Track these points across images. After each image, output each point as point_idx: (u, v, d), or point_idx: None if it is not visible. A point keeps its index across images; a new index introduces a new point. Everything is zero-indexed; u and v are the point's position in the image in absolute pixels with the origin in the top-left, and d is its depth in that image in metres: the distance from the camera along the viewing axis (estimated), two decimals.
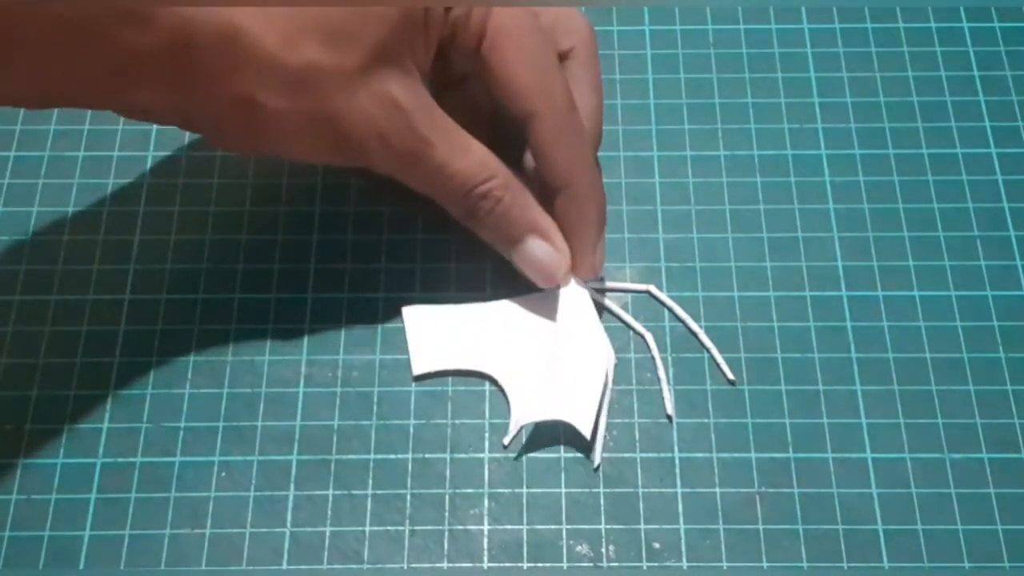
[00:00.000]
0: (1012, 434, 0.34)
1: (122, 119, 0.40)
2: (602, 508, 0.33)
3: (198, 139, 0.39)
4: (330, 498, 0.33)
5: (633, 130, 0.40)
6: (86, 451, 0.34)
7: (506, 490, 0.34)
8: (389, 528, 0.33)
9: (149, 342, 0.36)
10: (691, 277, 0.37)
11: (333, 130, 0.31)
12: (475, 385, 0.35)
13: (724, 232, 0.38)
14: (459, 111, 0.33)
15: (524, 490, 0.34)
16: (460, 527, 0.33)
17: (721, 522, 0.33)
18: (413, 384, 0.35)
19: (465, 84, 0.35)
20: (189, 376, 0.35)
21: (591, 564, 0.32)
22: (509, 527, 0.33)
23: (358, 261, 0.37)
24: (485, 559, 0.33)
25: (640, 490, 0.33)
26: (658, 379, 0.35)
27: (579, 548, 0.33)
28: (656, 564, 0.32)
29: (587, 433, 0.34)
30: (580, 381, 0.34)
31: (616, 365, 0.35)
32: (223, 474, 0.34)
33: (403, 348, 0.36)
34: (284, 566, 0.32)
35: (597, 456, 0.34)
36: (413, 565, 0.32)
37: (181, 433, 0.34)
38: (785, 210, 0.38)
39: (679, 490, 0.33)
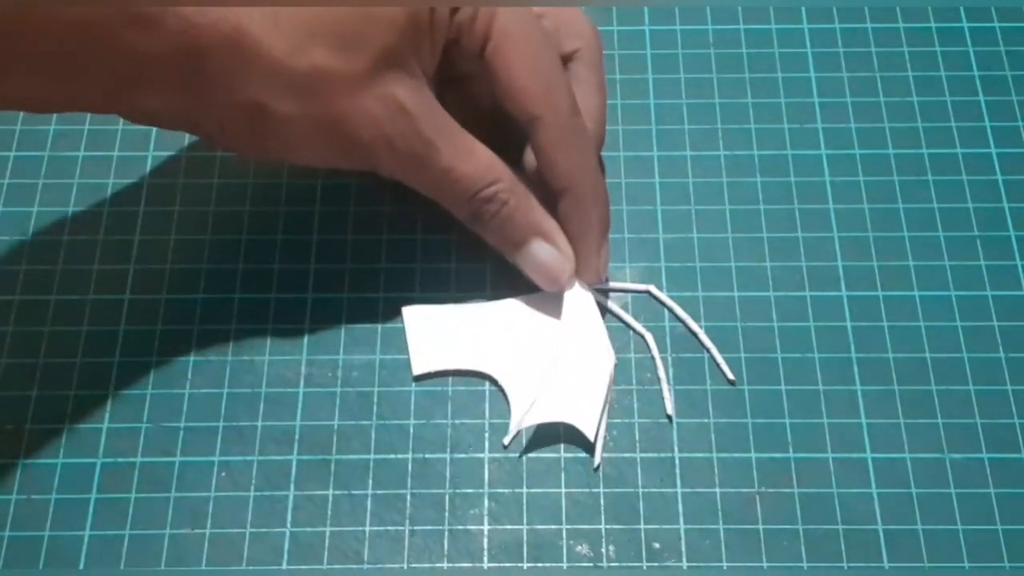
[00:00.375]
0: (1012, 434, 0.34)
1: (122, 120, 0.40)
2: (602, 508, 0.33)
3: (198, 139, 0.39)
4: (330, 498, 0.33)
5: (633, 130, 0.40)
6: (86, 451, 0.34)
7: (506, 490, 0.34)
8: (389, 528, 0.33)
9: (149, 342, 0.36)
10: (691, 277, 0.37)
11: (339, 134, 0.31)
12: (475, 385, 0.35)
13: (724, 232, 0.38)
14: (460, 109, 0.33)
15: (524, 490, 0.34)
16: (460, 527, 0.33)
17: (721, 522, 0.33)
18: (413, 384, 0.35)
19: (466, 82, 0.35)
20: (189, 376, 0.35)
21: (591, 564, 0.32)
22: (509, 527, 0.33)
23: (358, 261, 0.37)
24: (485, 559, 0.33)
25: (640, 490, 0.33)
26: (658, 379, 0.35)
27: (579, 548, 0.33)
28: (656, 564, 0.32)
29: (591, 435, 0.34)
30: (584, 383, 0.35)
31: (616, 365, 0.35)
32: (223, 474, 0.34)
33: (403, 348, 0.36)
34: (284, 566, 0.32)
35: (597, 456, 0.34)
36: (413, 565, 0.32)
37: (181, 433, 0.34)
38: (785, 210, 0.38)
39: (679, 490, 0.33)
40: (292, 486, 0.34)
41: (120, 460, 0.34)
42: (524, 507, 0.33)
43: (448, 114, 0.33)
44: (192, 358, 0.35)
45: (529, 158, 0.35)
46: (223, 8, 0.29)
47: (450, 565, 0.32)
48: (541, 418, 0.34)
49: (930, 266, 0.37)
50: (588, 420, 0.34)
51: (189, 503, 0.33)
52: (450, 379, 0.35)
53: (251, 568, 0.32)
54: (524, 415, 0.34)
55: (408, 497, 0.33)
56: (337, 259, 0.37)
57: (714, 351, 0.35)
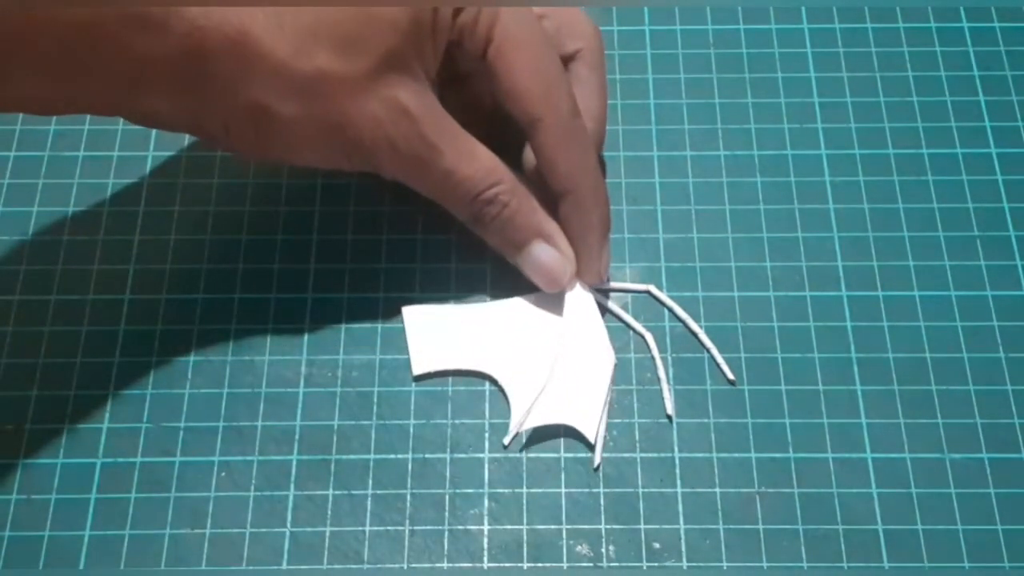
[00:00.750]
0: (1012, 434, 0.34)
1: (122, 120, 0.40)
2: (602, 508, 0.33)
3: (199, 139, 0.39)
4: (330, 498, 0.33)
5: (633, 130, 0.40)
6: (86, 451, 0.34)
7: (506, 490, 0.34)
8: (389, 528, 0.33)
9: (149, 342, 0.36)
10: (691, 277, 0.37)
11: (342, 136, 0.31)
12: (475, 385, 0.35)
13: (724, 232, 0.38)
14: (460, 110, 0.33)
15: (524, 490, 0.34)
16: (460, 527, 0.33)
17: (721, 522, 0.33)
18: (413, 384, 0.35)
19: (467, 82, 0.35)
20: (189, 376, 0.35)
21: (591, 564, 0.32)
22: (509, 527, 0.33)
23: (358, 261, 0.37)
24: (485, 559, 0.33)
25: (640, 490, 0.33)
26: (658, 379, 0.35)
27: (579, 548, 0.33)
28: (656, 564, 0.32)
29: (591, 437, 0.34)
30: (584, 384, 0.35)
31: (616, 365, 0.35)
32: (223, 474, 0.34)
33: (403, 348, 0.36)
34: (284, 566, 0.32)
35: (597, 456, 0.34)
36: (413, 565, 0.32)
37: (181, 433, 0.34)
38: (785, 210, 0.38)
39: (679, 490, 0.33)
40: (292, 486, 0.34)
41: (120, 460, 0.34)
42: (524, 507, 0.33)
43: (450, 116, 0.33)
44: (192, 358, 0.35)
45: (529, 158, 0.35)
46: (227, 10, 0.29)
47: (450, 565, 0.32)
48: (542, 420, 0.34)
49: (930, 266, 0.37)
50: (588, 421, 0.34)
51: (189, 503, 0.33)
52: (450, 379, 0.35)
53: (251, 568, 0.32)
54: (524, 417, 0.34)
55: (408, 497, 0.33)
56: (337, 259, 0.37)
57: (714, 351, 0.35)
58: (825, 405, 0.35)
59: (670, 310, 0.36)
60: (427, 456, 0.34)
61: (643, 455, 0.34)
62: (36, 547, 0.33)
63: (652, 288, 0.37)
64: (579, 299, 0.36)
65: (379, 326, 0.36)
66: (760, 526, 0.33)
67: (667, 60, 0.41)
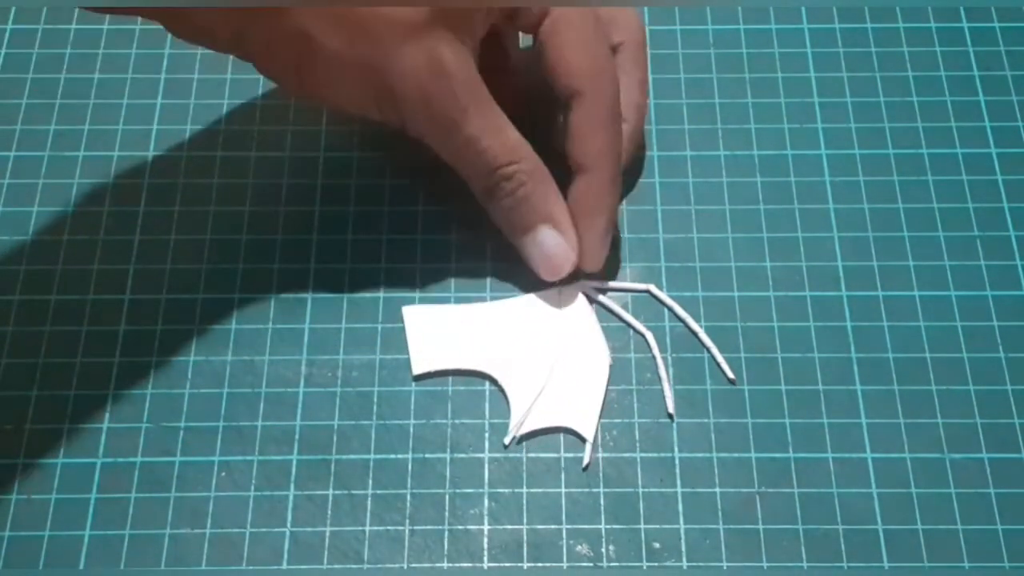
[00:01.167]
0: (1012, 434, 0.34)
1: (122, 119, 0.40)
2: (602, 508, 0.33)
3: (198, 139, 0.39)
4: (330, 498, 0.33)
5: None
6: (86, 451, 0.34)
7: (506, 490, 0.34)
8: (389, 528, 0.33)
9: (149, 342, 0.36)
10: (691, 277, 0.37)
11: (379, 82, 0.32)
12: (475, 385, 0.35)
13: (724, 232, 0.38)
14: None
15: (524, 490, 0.34)
16: (460, 527, 0.33)
17: (721, 522, 0.33)
18: (413, 384, 0.35)
19: (494, 78, 0.35)
20: (189, 376, 0.35)
21: (591, 564, 0.32)
22: (509, 527, 0.33)
23: (358, 261, 0.37)
24: (485, 559, 0.33)
25: (640, 490, 0.33)
26: (658, 378, 0.35)
27: (579, 548, 0.33)
28: (656, 564, 0.32)
29: (590, 438, 0.34)
30: (582, 386, 0.35)
31: (613, 365, 0.35)
32: (223, 474, 0.34)
33: (403, 348, 0.36)
34: (284, 566, 0.32)
35: (587, 456, 0.34)
36: (413, 565, 0.32)
37: (181, 433, 0.34)
38: (785, 210, 0.38)
39: (679, 490, 0.33)
40: (292, 486, 0.34)
41: (120, 460, 0.34)
42: (524, 507, 0.33)
43: (485, 86, 0.33)
44: (192, 358, 0.35)
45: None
46: None
47: (450, 565, 0.32)
48: (541, 423, 0.34)
49: (930, 266, 0.37)
50: (587, 424, 0.34)
51: (189, 503, 0.33)
52: (450, 379, 0.35)
53: (251, 568, 0.32)
54: (523, 420, 0.34)
55: (408, 497, 0.33)
56: (337, 259, 0.37)
57: (714, 351, 0.35)
58: (825, 405, 0.35)
59: (670, 310, 0.36)
60: (427, 456, 0.34)
61: (643, 455, 0.34)
62: (36, 547, 0.33)
63: (652, 288, 0.37)
64: (575, 300, 0.36)
65: (379, 326, 0.36)
66: (760, 526, 0.33)
67: (667, 60, 0.41)
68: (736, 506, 0.33)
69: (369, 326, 0.36)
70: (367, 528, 0.33)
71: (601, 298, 0.36)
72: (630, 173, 0.38)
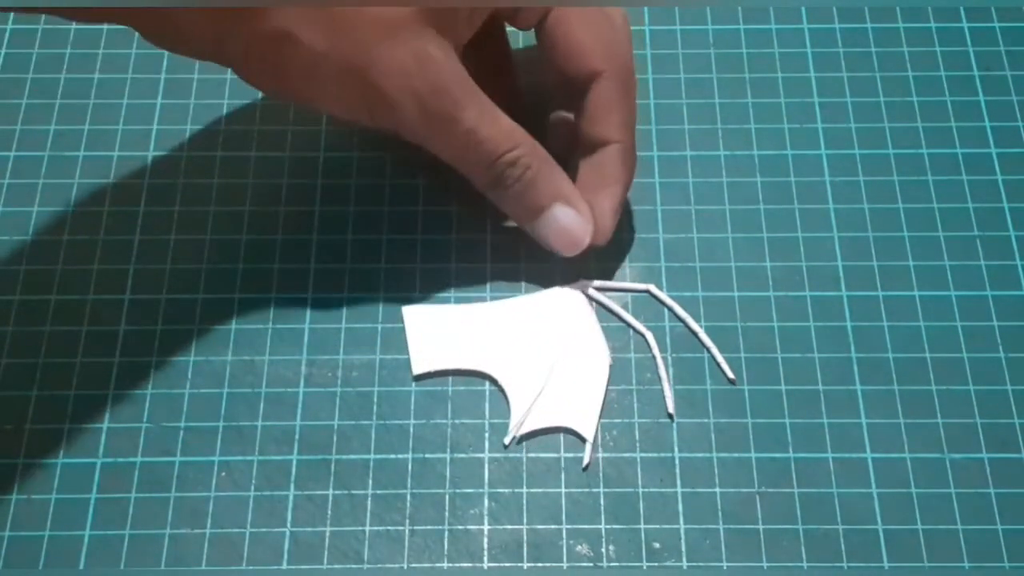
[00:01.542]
0: (1012, 434, 0.34)
1: (122, 120, 0.40)
2: (602, 508, 0.33)
3: (198, 139, 0.39)
4: (330, 498, 0.33)
5: None
6: (86, 451, 0.34)
7: (506, 490, 0.34)
8: (389, 528, 0.33)
9: (149, 342, 0.36)
10: (691, 277, 0.37)
11: (366, 82, 0.31)
12: (475, 385, 0.35)
13: (724, 232, 0.38)
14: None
15: (524, 490, 0.34)
16: (460, 527, 0.33)
17: (721, 522, 0.33)
18: (413, 384, 0.35)
19: (494, 79, 0.35)
20: (189, 376, 0.35)
21: (591, 564, 0.32)
22: (509, 527, 0.33)
23: (358, 261, 0.37)
24: (485, 559, 0.33)
25: (640, 490, 0.33)
26: (658, 378, 0.35)
27: (579, 548, 0.33)
28: (656, 564, 0.32)
29: (590, 438, 0.34)
30: (582, 386, 0.35)
31: (613, 365, 0.35)
32: (223, 474, 0.34)
33: (403, 348, 0.36)
34: (284, 566, 0.32)
35: (587, 456, 0.34)
36: (413, 565, 0.32)
37: (181, 433, 0.34)
38: (785, 210, 0.38)
39: (679, 490, 0.33)
40: (292, 486, 0.34)
41: (120, 460, 0.34)
42: (524, 507, 0.33)
43: (471, 79, 0.33)
44: (192, 358, 0.35)
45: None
46: None
47: (450, 565, 0.32)
48: (541, 423, 0.34)
49: (930, 266, 0.37)
50: (587, 424, 0.34)
51: (189, 503, 0.33)
52: (450, 379, 0.35)
53: (251, 568, 0.32)
54: (523, 420, 0.34)
55: (408, 497, 0.33)
56: (337, 259, 0.37)
57: (714, 351, 0.35)
58: (825, 405, 0.35)
59: (670, 310, 0.36)
60: (427, 456, 0.34)
61: (643, 455, 0.34)
62: (36, 547, 0.33)
63: (652, 288, 0.37)
64: (575, 300, 0.36)
65: (379, 326, 0.36)
66: (760, 526, 0.33)
67: (667, 60, 0.41)
68: (736, 506, 0.33)
69: (369, 326, 0.36)
70: (367, 528, 0.33)
71: (601, 298, 0.36)
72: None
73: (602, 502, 0.33)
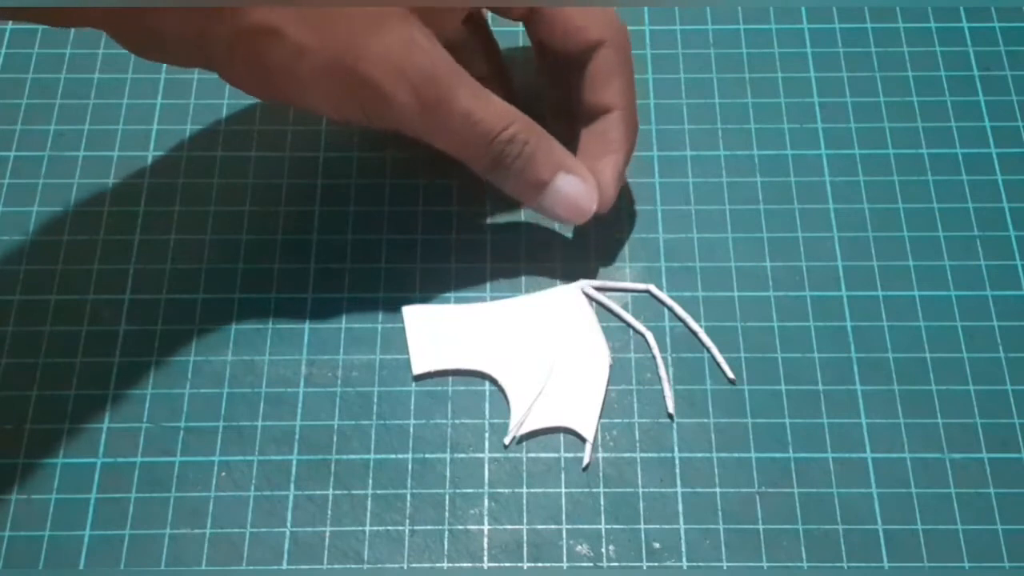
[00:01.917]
0: (1012, 434, 0.34)
1: (122, 120, 0.40)
2: (602, 508, 0.33)
3: (198, 139, 0.39)
4: (330, 498, 0.33)
5: None
6: (86, 451, 0.34)
7: (506, 490, 0.34)
8: (389, 528, 0.33)
9: (149, 342, 0.36)
10: (691, 277, 0.37)
11: (355, 74, 0.31)
12: (475, 385, 0.35)
13: (724, 232, 0.38)
14: None
15: (524, 490, 0.34)
16: (460, 527, 0.33)
17: (721, 522, 0.33)
18: (413, 384, 0.35)
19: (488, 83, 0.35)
20: (189, 376, 0.35)
21: (591, 564, 0.32)
22: (509, 527, 0.33)
23: (358, 261, 0.37)
24: (485, 559, 0.33)
25: (640, 490, 0.33)
26: (658, 378, 0.35)
27: (579, 548, 0.33)
28: (656, 564, 0.32)
29: (590, 438, 0.34)
30: (581, 386, 0.35)
31: (613, 365, 0.35)
32: (223, 474, 0.34)
33: (403, 348, 0.36)
34: (284, 566, 0.32)
35: (587, 456, 0.34)
36: (413, 565, 0.32)
37: (181, 433, 0.34)
38: (785, 210, 0.38)
39: (679, 490, 0.33)
40: (292, 486, 0.34)
41: (120, 460, 0.34)
42: (524, 507, 0.33)
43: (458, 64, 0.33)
44: (192, 358, 0.35)
45: None
46: None
47: (450, 565, 0.32)
48: (541, 423, 0.34)
49: (930, 266, 0.37)
50: (587, 424, 0.34)
51: (189, 503, 0.33)
52: (450, 379, 0.35)
53: (251, 568, 0.32)
54: (523, 420, 0.34)
55: (408, 497, 0.33)
56: (337, 259, 0.37)
57: (714, 350, 0.35)
58: (825, 405, 0.35)
59: (670, 310, 0.36)
60: (427, 456, 0.34)
61: (643, 455, 0.34)
62: (36, 547, 0.33)
63: (652, 288, 0.37)
64: (575, 300, 0.36)
65: (379, 326, 0.36)
66: (760, 526, 0.33)
67: (667, 60, 0.41)
68: (736, 506, 0.33)
69: (369, 326, 0.36)
70: (367, 528, 0.33)
71: (601, 298, 0.36)
72: (632, 174, 0.38)
73: (602, 502, 0.33)
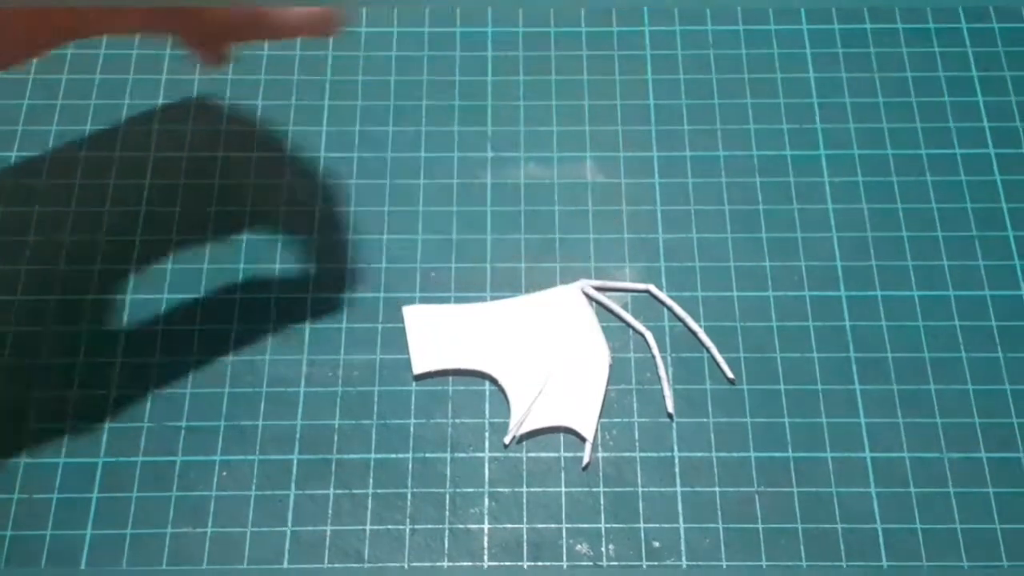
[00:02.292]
0: (1011, 434, 0.34)
1: (123, 119, 0.40)
2: (602, 508, 0.33)
3: (199, 139, 0.39)
4: (331, 497, 0.33)
5: (633, 130, 0.40)
6: (88, 450, 0.34)
7: (506, 489, 0.34)
8: (390, 527, 0.33)
9: (149, 342, 0.36)
10: (691, 277, 0.37)
11: None
12: (475, 385, 0.35)
13: (724, 232, 0.38)
14: None
15: (524, 489, 0.34)
16: (460, 526, 0.33)
17: (721, 521, 0.33)
18: (413, 384, 0.35)
19: None
20: (190, 376, 0.35)
21: (591, 563, 0.33)
22: (509, 526, 0.33)
23: (358, 261, 0.37)
24: (485, 558, 0.33)
25: (640, 490, 0.34)
26: (658, 378, 0.35)
27: (579, 547, 0.33)
28: (656, 563, 0.32)
29: (590, 437, 0.34)
30: (581, 386, 0.35)
31: (613, 365, 0.35)
32: (224, 473, 0.34)
33: (403, 348, 0.36)
34: (285, 565, 0.32)
35: (587, 455, 0.34)
36: (414, 564, 0.33)
37: (182, 433, 0.34)
38: (785, 210, 0.38)
39: (679, 489, 0.34)
40: (293, 485, 0.34)
41: (122, 459, 0.34)
42: (524, 506, 0.33)
43: None
44: (192, 358, 0.36)
45: None
46: None
47: (450, 564, 0.33)
48: (541, 423, 0.34)
49: (929, 266, 0.37)
50: (587, 423, 0.34)
51: (190, 502, 0.33)
52: (450, 379, 0.35)
53: (252, 567, 0.32)
54: (523, 419, 0.34)
55: (408, 496, 0.33)
56: (337, 259, 0.37)
57: (714, 350, 0.35)
58: (824, 405, 0.35)
59: (670, 310, 0.36)
60: (427, 455, 0.34)
61: (643, 455, 0.34)
62: (38, 546, 0.33)
63: (652, 288, 0.37)
64: (575, 300, 0.36)
65: (379, 326, 0.36)
66: (760, 525, 0.33)
67: (667, 60, 0.41)
68: (736, 506, 0.33)
69: (369, 326, 0.36)
70: (368, 527, 0.33)
71: (601, 298, 0.36)
72: (632, 175, 0.38)
73: (602, 502, 0.33)
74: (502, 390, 0.35)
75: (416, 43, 0.41)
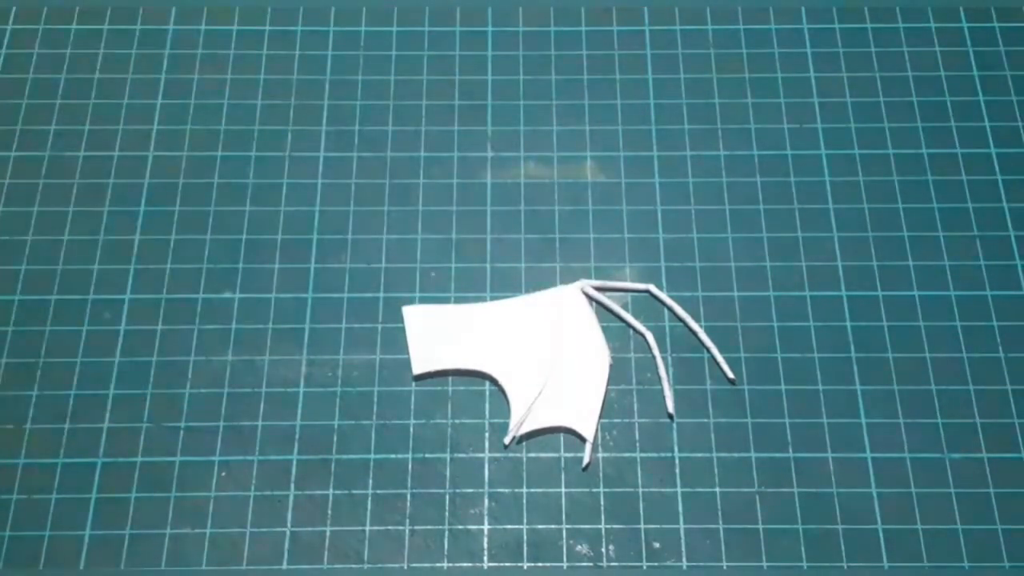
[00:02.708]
0: (1012, 434, 0.34)
1: (122, 119, 0.40)
2: (602, 508, 0.33)
3: (198, 139, 0.39)
4: (330, 498, 0.33)
5: (633, 130, 0.40)
6: (86, 451, 0.34)
7: (506, 490, 0.34)
8: (389, 528, 0.33)
9: (149, 342, 0.36)
10: (691, 277, 0.37)
11: None
12: (475, 385, 0.35)
13: (724, 232, 0.38)
14: None
15: (524, 490, 0.34)
16: (460, 527, 0.33)
17: (721, 522, 0.33)
18: (413, 384, 0.35)
19: None
20: (189, 376, 0.35)
21: (591, 564, 0.32)
22: (509, 527, 0.33)
23: (358, 261, 0.37)
24: (485, 559, 0.33)
25: (640, 490, 0.33)
26: (658, 378, 0.35)
27: (579, 548, 0.33)
28: (656, 564, 0.32)
29: (590, 438, 0.34)
30: (582, 386, 0.35)
31: (613, 365, 0.35)
32: (223, 474, 0.34)
33: (403, 348, 0.36)
34: (284, 566, 0.32)
35: (587, 456, 0.34)
36: (413, 565, 0.32)
37: (181, 433, 0.34)
38: (785, 210, 0.38)
39: (679, 490, 0.33)
40: (292, 486, 0.34)
41: (120, 460, 0.34)
42: (524, 507, 0.33)
43: None
44: (192, 358, 0.36)
45: None
46: None
47: (450, 565, 0.32)
48: (541, 423, 0.34)
49: (930, 266, 0.37)
50: (587, 424, 0.34)
51: (190, 503, 0.33)
52: (450, 379, 0.35)
53: (251, 568, 0.32)
54: (523, 420, 0.34)
55: (408, 497, 0.33)
56: (337, 259, 0.37)
57: (714, 350, 0.35)
58: (825, 405, 0.35)
59: (670, 310, 0.36)
60: (427, 456, 0.34)
61: (643, 455, 0.34)
62: (37, 546, 0.33)
63: (652, 288, 0.37)
64: (575, 300, 0.36)
65: (379, 326, 0.36)
66: (760, 526, 0.33)
67: (667, 60, 0.41)
68: (736, 506, 0.33)
69: (369, 326, 0.36)
70: (367, 528, 0.33)
71: (601, 298, 0.36)
72: (632, 174, 0.38)
73: (602, 502, 0.33)
74: (502, 390, 0.35)
75: (416, 43, 0.41)
